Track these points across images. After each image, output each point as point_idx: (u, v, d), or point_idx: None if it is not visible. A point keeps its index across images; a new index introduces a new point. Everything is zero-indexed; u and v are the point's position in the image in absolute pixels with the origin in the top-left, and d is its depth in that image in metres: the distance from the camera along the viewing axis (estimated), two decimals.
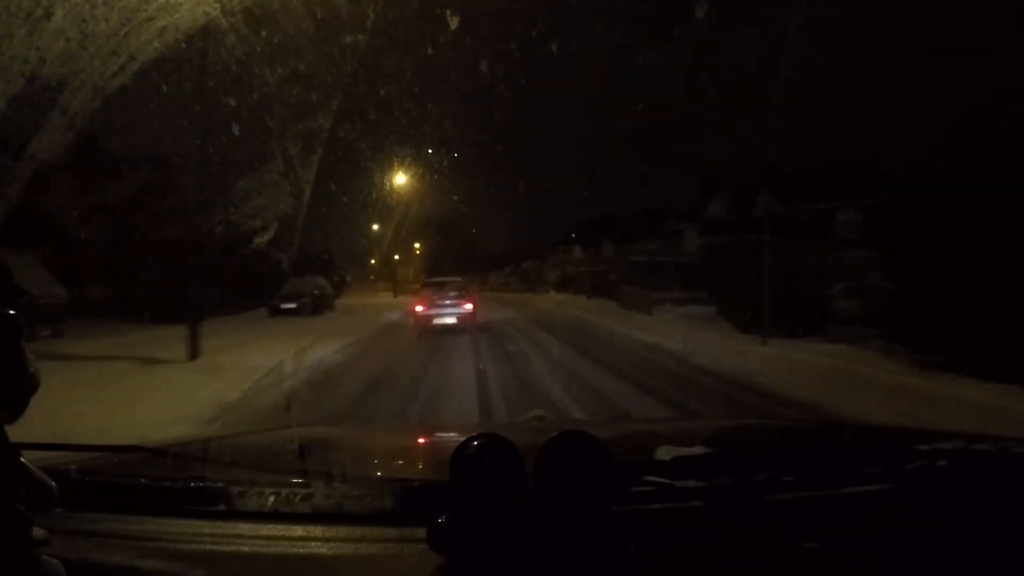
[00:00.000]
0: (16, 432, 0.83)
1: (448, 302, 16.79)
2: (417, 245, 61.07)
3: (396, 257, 59.70)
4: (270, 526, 1.14)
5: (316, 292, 25.47)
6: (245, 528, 1.14)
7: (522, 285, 51.50)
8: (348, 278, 54.81)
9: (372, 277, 55.16)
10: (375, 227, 37.21)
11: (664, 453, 1.39)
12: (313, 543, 1.09)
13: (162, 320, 17.50)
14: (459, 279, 19.52)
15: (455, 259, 57.79)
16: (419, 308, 16.90)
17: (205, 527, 1.14)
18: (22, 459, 0.82)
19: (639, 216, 47.89)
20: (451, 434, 2.29)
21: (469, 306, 16.81)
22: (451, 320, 16.50)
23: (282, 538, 1.10)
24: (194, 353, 11.45)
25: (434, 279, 20.09)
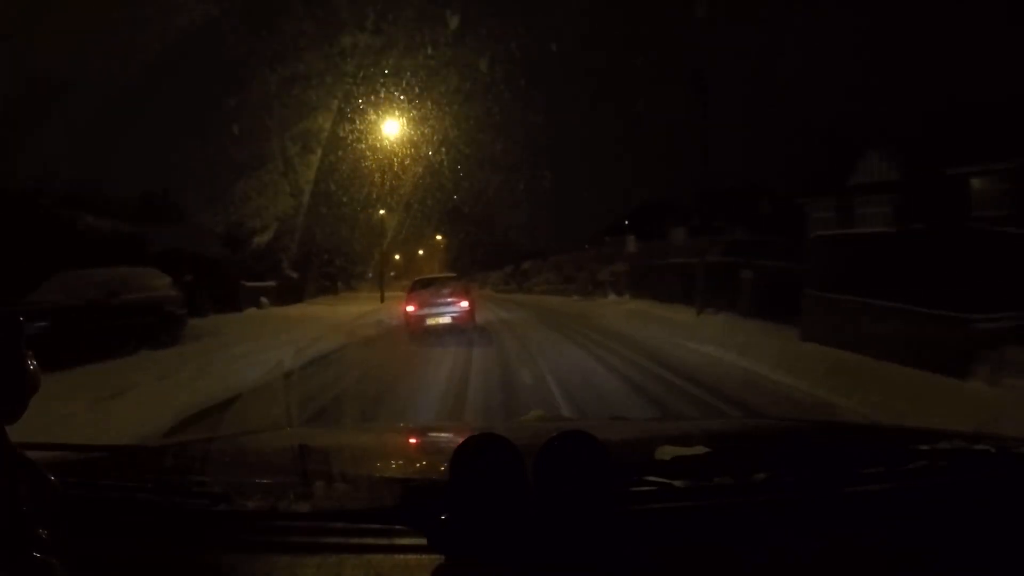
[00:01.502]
0: (14, 432, 0.83)
1: (441, 300, 15.61)
2: (440, 238, 57.42)
3: (420, 252, 57.42)
4: (270, 526, 1.14)
5: (52, 306, 9.98)
6: (245, 528, 1.14)
7: (565, 285, 39.31)
8: (371, 274, 50.53)
9: (392, 274, 50.56)
10: (382, 215, 31.46)
11: (664, 453, 1.39)
12: (313, 543, 1.09)
13: None
14: (452, 275, 18.50)
15: (482, 254, 54.13)
16: (410, 308, 15.67)
17: (205, 527, 1.14)
18: (27, 457, 0.82)
19: (718, 197, 35.77)
20: (451, 434, 2.29)
21: (465, 304, 15.62)
22: (446, 320, 15.23)
23: (282, 538, 1.10)
24: None
25: (424, 277, 18.88)
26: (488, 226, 56.57)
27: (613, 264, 35.24)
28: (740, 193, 36.07)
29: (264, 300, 25.90)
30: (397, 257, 55.33)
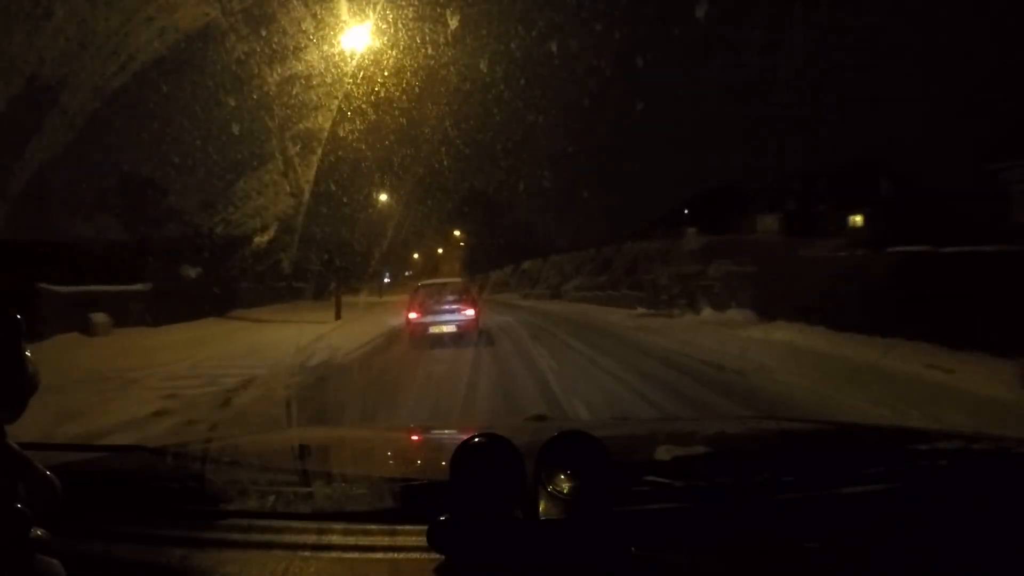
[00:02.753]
0: (16, 431, 0.83)
1: (446, 307, 14.90)
2: (458, 233, 53.97)
3: (440, 251, 53.96)
4: (270, 526, 1.14)
5: None
6: (245, 528, 1.14)
7: (616, 291, 28.57)
8: (387, 277, 46.49)
9: (408, 273, 47.67)
10: (383, 203, 26.43)
11: (664, 453, 1.39)
12: (314, 543, 1.09)
13: None
14: (458, 281, 17.96)
15: (496, 250, 49.45)
16: (413, 315, 14.88)
17: (205, 527, 1.14)
18: (27, 457, 0.82)
19: (816, 178, 27.79)
20: (451, 434, 2.29)
21: (470, 311, 14.90)
22: (450, 328, 14.49)
23: (282, 538, 1.10)
24: None
25: (427, 282, 17.98)
26: (503, 220, 52.25)
27: (663, 267, 25.73)
28: (845, 172, 27.14)
29: (100, 319, 15.90)
30: (416, 256, 53.62)
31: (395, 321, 17.69)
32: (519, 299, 39.14)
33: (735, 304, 17.64)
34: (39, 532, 0.79)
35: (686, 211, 35.72)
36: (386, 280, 49.15)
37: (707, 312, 18.67)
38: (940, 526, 1.13)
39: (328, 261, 37.85)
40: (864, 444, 1.92)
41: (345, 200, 22.36)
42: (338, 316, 21.02)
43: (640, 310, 22.63)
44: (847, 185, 26.80)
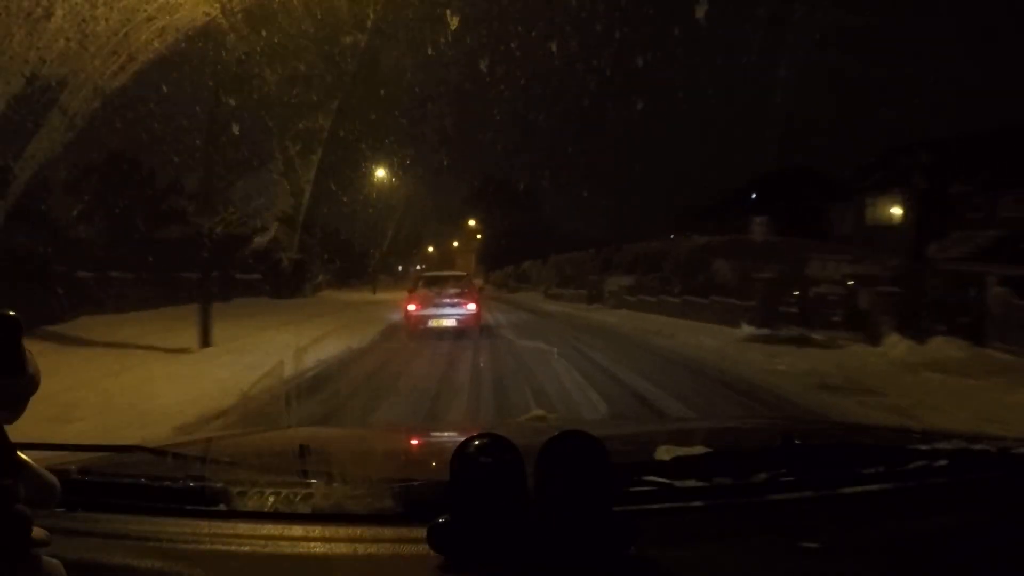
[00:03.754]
0: (17, 431, 0.83)
1: (447, 301, 14.57)
2: (473, 223, 51.62)
3: (455, 244, 52.61)
4: (270, 526, 1.14)
5: None
6: (245, 528, 1.14)
7: (684, 296, 21.73)
8: (399, 268, 44.98)
9: (421, 266, 44.34)
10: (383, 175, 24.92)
11: (664, 453, 1.39)
12: (313, 543, 1.09)
13: None
14: (461, 274, 17.54)
15: (524, 244, 46.19)
16: (412, 307, 14.46)
17: (205, 527, 1.14)
18: (25, 457, 0.82)
19: (937, 148, 20.07)
20: (451, 434, 2.30)
21: (472, 306, 14.55)
22: (450, 322, 14.16)
23: (282, 538, 1.10)
24: None
25: (430, 274, 17.79)
26: (511, 219, 49.59)
27: (732, 263, 18.70)
28: (984, 142, 19.74)
29: None
30: (431, 249, 52.27)
31: (322, 352, 10.92)
32: (543, 300, 31.67)
33: (946, 330, 10.96)
34: (39, 532, 0.79)
35: (753, 195, 29.32)
36: (398, 270, 47.76)
37: (894, 340, 11.00)
38: (940, 526, 1.13)
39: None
40: (864, 444, 1.92)
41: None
42: (205, 342, 11.91)
43: (747, 329, 14.79)
44: (994, 158, 18.77)
